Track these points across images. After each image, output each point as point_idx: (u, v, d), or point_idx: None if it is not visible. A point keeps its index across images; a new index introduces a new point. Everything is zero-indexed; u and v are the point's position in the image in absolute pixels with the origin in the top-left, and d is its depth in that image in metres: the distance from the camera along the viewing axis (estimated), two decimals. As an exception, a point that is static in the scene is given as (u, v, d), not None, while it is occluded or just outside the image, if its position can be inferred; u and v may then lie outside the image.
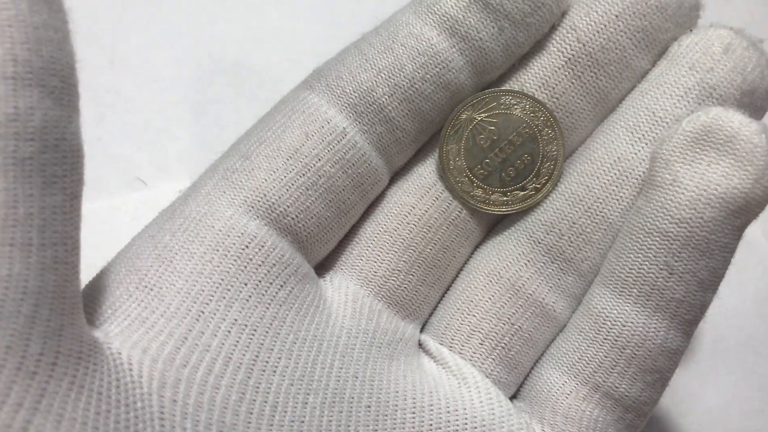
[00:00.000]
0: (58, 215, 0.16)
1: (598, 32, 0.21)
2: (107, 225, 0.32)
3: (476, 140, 0.22)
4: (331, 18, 0.36)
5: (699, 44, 0.21)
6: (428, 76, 0.21)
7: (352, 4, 0.36)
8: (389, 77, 0.21)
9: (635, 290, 0.21)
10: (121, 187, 0.33)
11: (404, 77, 0.21)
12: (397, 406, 0.20)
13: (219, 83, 0.34)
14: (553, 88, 0.21)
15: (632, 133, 0.21)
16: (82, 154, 0.17)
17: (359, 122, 0.21)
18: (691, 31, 0.21)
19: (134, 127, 0.33)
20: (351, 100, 0.21)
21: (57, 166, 0.16)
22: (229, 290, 0.19)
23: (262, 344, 0.19)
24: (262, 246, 0.20)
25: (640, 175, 0.21)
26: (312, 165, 0.20)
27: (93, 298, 0.19)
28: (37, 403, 0.15)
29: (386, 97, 0.21)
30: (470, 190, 0.22)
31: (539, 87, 0.22)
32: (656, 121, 0.21)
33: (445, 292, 0.23)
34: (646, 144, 0.21)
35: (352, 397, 0.20)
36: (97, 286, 0.19)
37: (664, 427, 0.31)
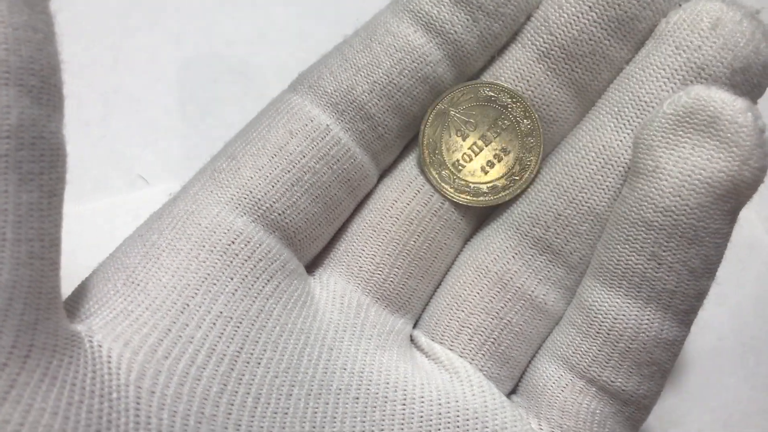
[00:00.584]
0: (35, 212, 0.16)
1: (570, 24, 0.21)
2: (110, 223, 0.32)
3: (454, 133, 0.22)
4: (337, 17, 0.36)
5: (686, 21, 0.20)
6: (406, 71, 0.21)
7: (358, 3, 0.36)
8: (368, 74, 0.21)
9: (625, 282, 0.20)
10: (124, 185, 0.33)
11: (382, 73, 0.21)
12: (386, 397, 0.20)
13: (224, 82, 0.34)
14: (528, 81, 0.21)
15: (617, 119, 0.21)
16: (62, 153, 0.17)
17: (341, 120, 0.21)
18: (680, 6, 0.20)
19: (138, 126, 0.33)
20: (332, 99, 0.21)
21: (34, 163, 0.16)
22: (214, 284, 0.19)
23: (246, 336, 0.19)
24: (249, 241, 0.20)
25: (626, 163, 0.20)
26: (297, 162, 0.20)
27: (81, 294, 0.19)
28: (6, 393, 0.15)
29: (366, 94, 0.21)
30: (450, 183, 0.22)
31: (515, 79, 0.21)
32: (642, 106, 0.20)
33: (438, 287, 0.23)
34: (632, 130, 0.20)
35: (340, 389, 0.20)
36: (87, 283, 0.19)
37: (666, 427, 0.31)
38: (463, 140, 0.22)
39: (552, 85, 0.21)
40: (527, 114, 0.21)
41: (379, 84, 0.21)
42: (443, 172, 0.22)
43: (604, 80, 0.21)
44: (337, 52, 0.22)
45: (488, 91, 0.21)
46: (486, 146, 0.22)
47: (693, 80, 0.20)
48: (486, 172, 0.22)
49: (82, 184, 0.32)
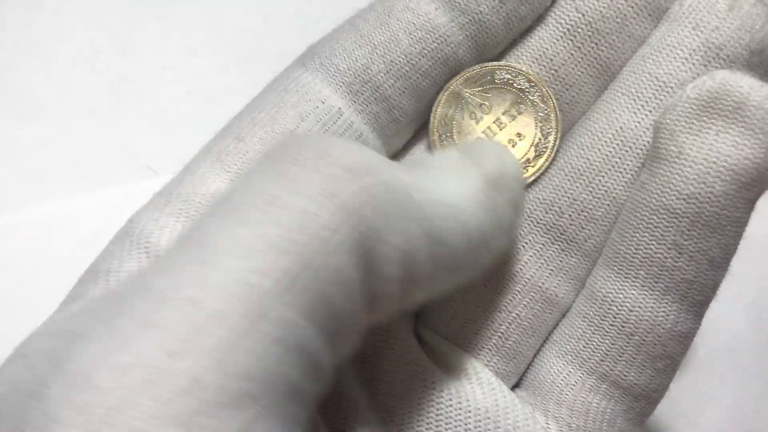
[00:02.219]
0: None
1: (597, 0, 0.20)
2: (117, 213, 0.32)
3: (468, 116, 0.21)
4: (348, 6, 0.35)
5: (702, 2, 0.20)
6: (426, 51, 0.20)
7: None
8: (385, 53, 0.20)
9: (642, 272, 0.19)
10: (132, 175, 0.33)
11: (401, 53, 0.20)
12: (395, 407, 0.20)
13: (233, 72, 0.34)
14: (552, 60, 0.21)
15: (634, 101, 0.20)
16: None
17: (355, 101, 0.20)
18: None
19: (146, 115, 0.33)
20: (346, 78, 0.20)
21: None
22: None
23: None
24: None
25: (644, 146, 0.20)
26: None
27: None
28: None
29: (382, 74, 0.20)
30: None
31: (537, 59, 0.21)
32: (659, 86, 0.20)
33: None
34: (650, 112, 0.20)
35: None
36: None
37: (680, 427, 0.31)
38: (477, 123, 0.21)
39: (575, 65, 0.21)
40: (545, 98, 0.21)
41: (397, 65, 0.20)
42: None
43: (625, 59, 0.21)
44: (351, 27, 0.21)
45: (505, 73, 0.21)
46: (500, 130, 0.21)
47: (711, 61, 0.19)
48: None
49: (89, 174, 0.32)
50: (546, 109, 0.21)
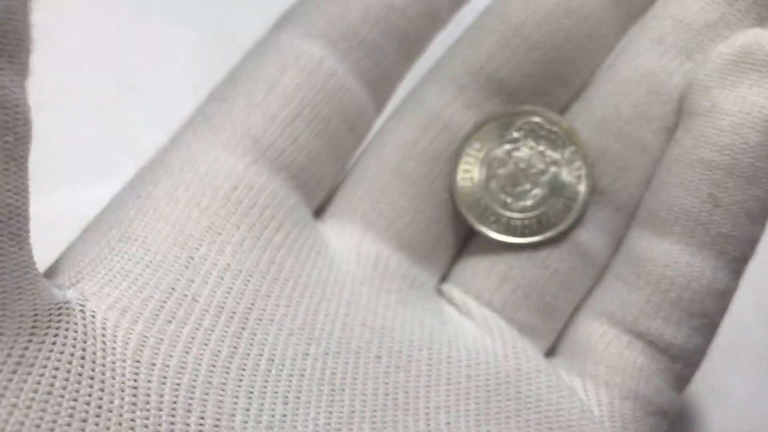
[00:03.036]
0: None
1: None
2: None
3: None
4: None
5: None
6: None
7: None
8: (359, 1, 0.20)
9: (678, 227, 0.19)
10: (137, 169, 0.32)
11: None
12: (411, 357, 0.18)
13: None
14: None
15: (658, 44, 0.20)
16: (22, 113, 0.15)
17: (336, 50, 0.20)
18: None
19: (151, 109, 0.33)
20: (324, 31, 0.20)
21: None
22: (220, 234, 0.18)
23: (258, 291, 0.17)
24: (252, 186, 0.18)
25: (670, 90, 0.19)
26: (294, 96, 0.19)
27: (72, 255, 0.17)
28: None
29: (359, 21, 0.20)
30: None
31: None
32: (684, 29, 0.19)
33: (469, 237, 0.21)
34: (675, 55, 0.19)
35: (360, 347, 0.18)
36: (77, 242, 0.18)
37: (687, 423, 0.31)
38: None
39: None
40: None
41: (374, 7, 0.20)
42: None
43: None
44: None
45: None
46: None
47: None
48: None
49: (93, 169, 0.32)
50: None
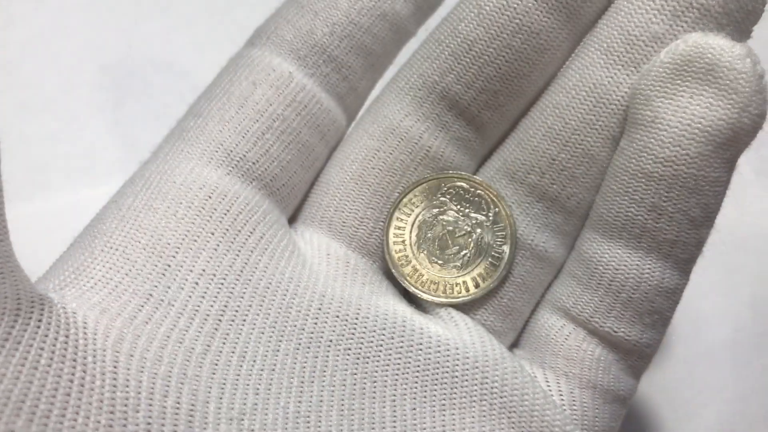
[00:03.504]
0: None
1: None
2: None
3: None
4: None
5: None
6: (364, 9, 0.21)
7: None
8: (326, 17, 0.21)
9: (625, 234, 0.20)
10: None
11: (341, 14, 0.21)
12: (381, 346, 0.20)
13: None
14: (515, 9, 0.20)
15: (607, 56, 0.20)
16: None
17: (304, 66, 0.21)
18: None
19: (152, 111, 0.33)
20: (293, 46, 0.21)
21: None
22: (195, 241, 0.19)
23: (231, 292, 0.19)
24: (226, 194, 0.20)
25: (618, 102, 0.20)
26: (264, 110, 0.20)
27: (58, 266, 0.19)
28: None
29: (327, 37, 0.21)
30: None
31: (500, 9, 0.20)
32: (631, 40, 0.20)
33: None
34: (623, 67, 0.20)
35: (330, 340, 0.19)
36: (64, 255, 0.19)
37: (681, 419, 0.31)
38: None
39: (540, 12, 0.20)
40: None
41: (340, 25, 0.21)
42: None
43: (594, 3, 0.20)
44: (291, 1, 0.22)
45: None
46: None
47: (684, 12, 0.19)
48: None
49: (95, 169, 0.32)
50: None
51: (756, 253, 0.33)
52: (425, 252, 0.21)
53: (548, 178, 0.21)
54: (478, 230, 0.21)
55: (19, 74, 0.34)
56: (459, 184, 0.21)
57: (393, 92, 0.22)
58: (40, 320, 0.16)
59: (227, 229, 0.19)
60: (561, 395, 0.20)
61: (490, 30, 0.20)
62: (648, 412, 0.31)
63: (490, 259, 0.21)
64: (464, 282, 0.21)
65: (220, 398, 0.18)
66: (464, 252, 0.21)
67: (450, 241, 0.21)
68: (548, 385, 0.21)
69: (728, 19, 0.19)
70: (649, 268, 0.20)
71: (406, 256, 0.21)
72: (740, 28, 0.19)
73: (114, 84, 0.34)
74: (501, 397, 0.20)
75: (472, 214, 0.21)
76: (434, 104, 0.21)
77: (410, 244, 0.21)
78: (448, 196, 0.21)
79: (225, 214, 0.19)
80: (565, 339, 0.21)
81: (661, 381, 0.31)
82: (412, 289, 0.21)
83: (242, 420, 0.18)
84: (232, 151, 0.20)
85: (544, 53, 0.21)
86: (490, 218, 0.21)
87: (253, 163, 0.20)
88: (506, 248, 0.21)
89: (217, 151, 0.20)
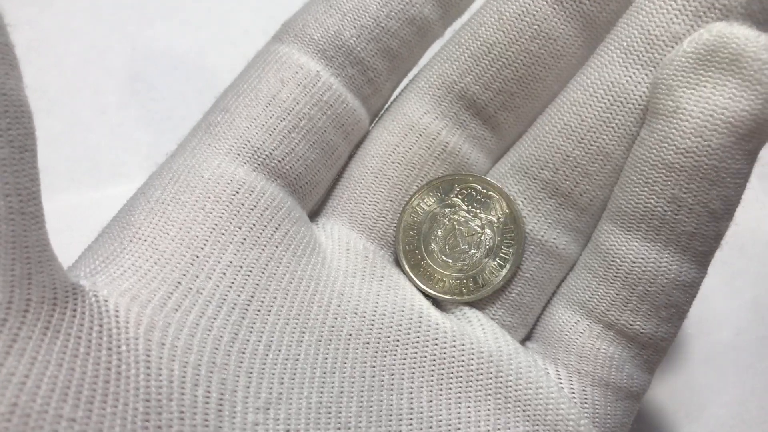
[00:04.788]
0: (8, 167, 0.16)
1: None
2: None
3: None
4: None
5: None
6: (393, 12, 0.21)
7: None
8: (355, 19, 0.21)
9: (644, 225, 0.20)
10: (142, 173, 0.33)
11: (369, 17, 0.21)
12: (398, 341, 0.20)
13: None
14: (534, 15, 0.20)
15: (626, 55, 0.20)
16: (26, 109, 0.17)
17: (330, 66, 0.21)
18: None
19: (156, 113, 0.34)
20: (320, 45, 0.21)
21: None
22: (223, 234, 0.19)
23: (257, 284, 0.19)
24: (252, 190, 0.20)
25: (635, 101, 0.20)
26: (291, 109, 0.21)
27: (87, 255, 0.19)
28: (9, 347, 0.15)
29: (354, 38, 0.21)
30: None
31: (520, 15, 0.21)
32: (651, 40, 0.20)
33: None
34: (642, 66, 0.20)
35: (350, 334, 0.20)
36: (93, 245, 0.19)
37: (681, 422, 0.31)
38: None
39: (558, 19, 0.21)
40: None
41: (367, 28, 0.21)
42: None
43: (611, 12, 0.21)
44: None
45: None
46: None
47: (706, 12, 0.19)
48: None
49: (99, 172, 0.33)
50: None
51: (757, 257, 0.33)
52: (435, 251, 0.22)
53: (562, 175, 0.21)
54: (488, 231, 0.22)
55: (23, 76, 0.34)
56: (472, 184, 0.22)
57: (413, 91, 0.22)
58: (75, 309, 0.17)
59: (254, 224, 0.20)
60: (573, 392, 0.20)
61: (509, 34, 0.21)
62: (649, 414, 0.31)
63: (498, 260, 0.21)
64: (472, 280, 0.22)
65: (248, 387, 0.18)
66: (473, 251, 0.22)
67: (459, 240, 0.22)
68: (560, 381, 0.21)
69: (751, 20, 0.19)
70: (666, 261, 0.20)
71: (416, 253, 0.22)
72: (763, 30, 0.19)
73: (118, 86, 0.34)
74: (516, 391, 0.20)
75: (483, 215, 0.22)
76: (452, 103, 0.22)
77: (421, 242, 0.22)
78: (460, 197, 0.22)
79: (252, 210, 0.20)
80: (579, 336, 0.21)
81: (662, 383, 0.31)
82: (421, 286, 0.22)
83: (268, 409, 0.18)
84: (258, 149, 0.20)
85: (561, 58, 0.21)
86: (501, 219, 0.21)
87: (279, 161, 0.20)
88: (514, 249, 0.21)
89: (243, 148, 0.20)
